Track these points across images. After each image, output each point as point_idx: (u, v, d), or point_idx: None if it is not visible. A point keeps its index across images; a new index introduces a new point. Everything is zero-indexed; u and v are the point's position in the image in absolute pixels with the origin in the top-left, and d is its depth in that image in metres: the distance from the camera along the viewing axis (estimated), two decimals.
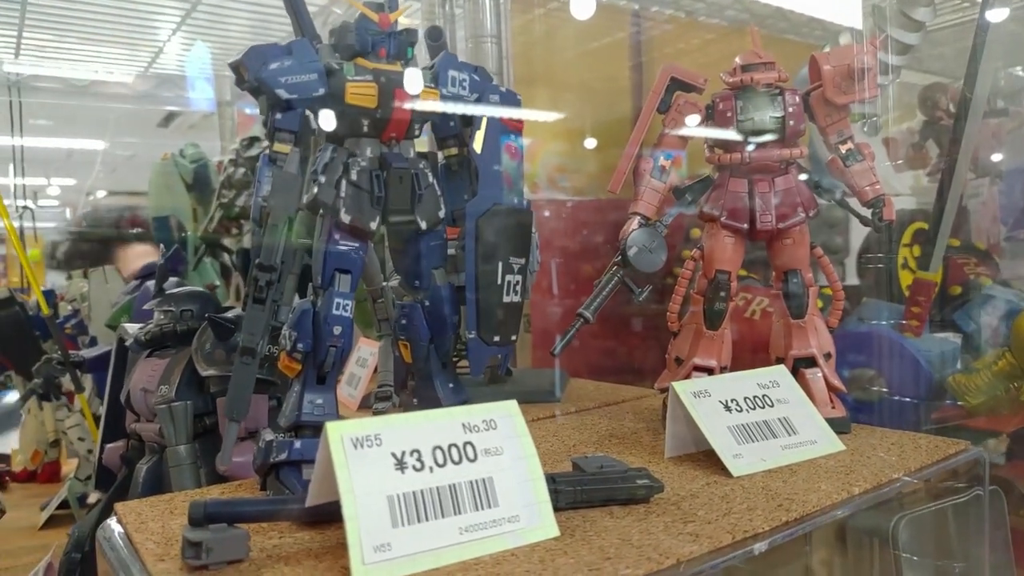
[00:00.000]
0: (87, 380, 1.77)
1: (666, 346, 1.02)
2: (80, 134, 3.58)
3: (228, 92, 3.08)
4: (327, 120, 0.72)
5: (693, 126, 0.93)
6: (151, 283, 1.55)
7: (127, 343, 1.02)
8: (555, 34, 2.05)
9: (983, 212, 1.77)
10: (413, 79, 0.74)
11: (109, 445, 1.08)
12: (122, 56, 2.75)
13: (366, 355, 1.25)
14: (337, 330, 0.71)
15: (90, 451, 1.85)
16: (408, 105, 0.73)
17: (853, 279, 1.70)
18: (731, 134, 0.90)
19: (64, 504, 1.81)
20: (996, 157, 1.77)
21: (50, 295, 1.95)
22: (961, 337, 1.47)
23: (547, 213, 1.74)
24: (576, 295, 1.63)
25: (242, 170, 2.08)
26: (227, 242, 2.16)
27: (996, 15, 1.28)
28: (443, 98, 0.76)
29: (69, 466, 2.10)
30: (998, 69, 1.66)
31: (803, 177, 0.95)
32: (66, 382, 1.88)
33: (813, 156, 1.04)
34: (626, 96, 2.15)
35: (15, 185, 2.74)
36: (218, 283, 2.23)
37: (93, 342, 1.93)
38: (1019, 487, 1.31)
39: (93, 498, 1.84)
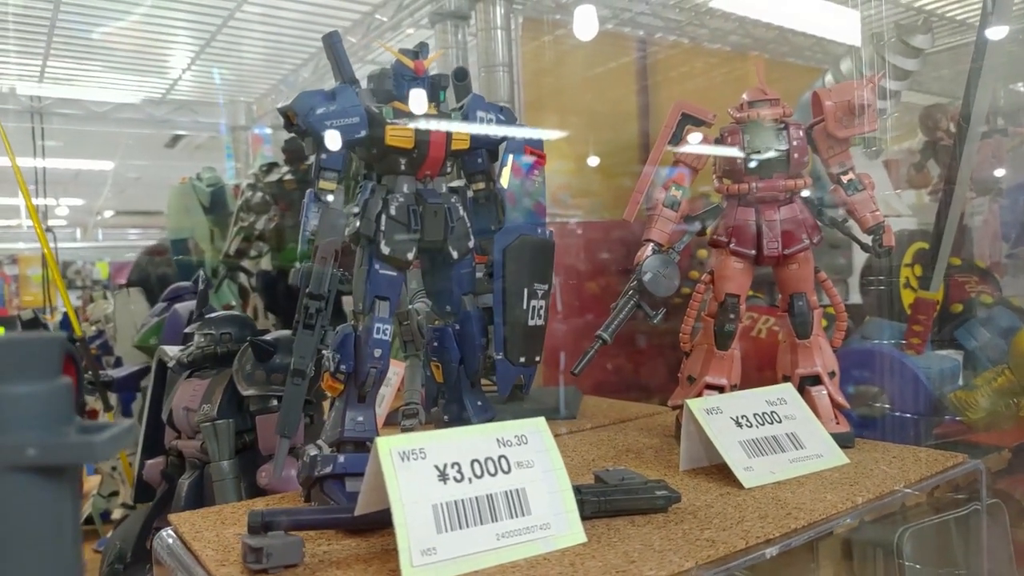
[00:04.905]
0: (112, 399, 1.83)
1: (673, 365, 1.07)
2: (89, 155, 3.64)
3: (243, 117, 3.16)
4: (333, 141, 0.76)
5: (703, 157, 0.99)
6: (179, 305, 1.61)
7: (169, 365, 1.07)
8: (564, 60, 2.12)
9: (984, 230, 1.82)
10: (417, 100, 0.80)
11: (149, 461, 1.14)
12: (141, 83, 2.83)
13: (390, 374, 1.30)
14: (377, 352, 0.77)
15: (114, 468, 1.90)
16: (435, 127, 0.78)
17: (856, 298, 1.75)
18: (739, 157, 0.96)
19: (88, 520, 1.86)
20: (999, 173, 1.81)
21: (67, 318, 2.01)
22: (962, 354, 1.51)
23: (553, 232, 1.79)
24: (582, 313, 1.67)
25: (260, 194, 2.14)
26: (246, 264, 2.22)
27: (994, 34, 1.33)
28: (472, 138, 0.82)
29: (91, 483, 2.15)
30: (997, 88, 1.71)
31: (806, 193, 1.00)
32: (89, 401, 1.93)
33: (815, 172, 1.10)
34: (632, 119, 2.21)
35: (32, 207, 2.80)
36: (235, 304, 2.28)
37: (118, 362, 1.98)
38: (1020, 500, 1.35)
39: (117, 514, 1.89)
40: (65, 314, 1.93)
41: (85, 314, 2.28)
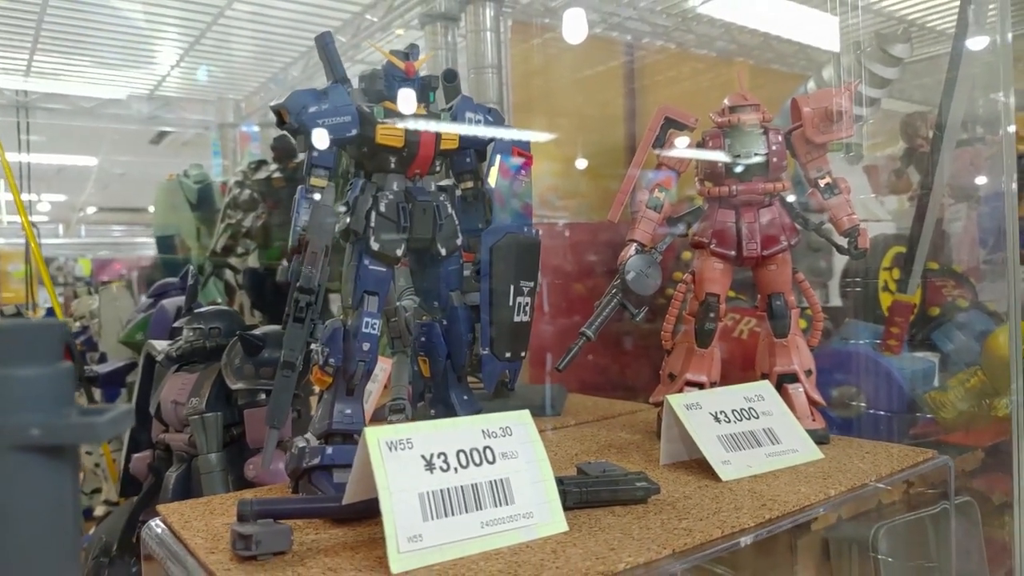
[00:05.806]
0: (96, 395, 1.82)
1: (655, 364, 1.10)
2: (73, 151, 3.61)
3: (231, 114, 3.16)
4: (320, 139, 0.78)
5: (685, 160, 1.02)
6: (166, 301, 1.61)
7: (158, 359, 1.08)
8: (552, 63, 2.14)
9: (963, 236, 1.85)
10: (406, 99, 0.81)
11: (136, 455, 1.15)
12: (129, 79, 2.83)
13: (377, 371, 1.32)
14: (365, 346, 0.78)
15: (97, 464, 1.90)
16: (425, 127, 0.80)
17: (836, 300, 1.78)
18: (720, 161, 0.99)
19: None
20: (980, 180, 1.85)
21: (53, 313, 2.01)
22: (938, 356, 1.55)
23: (540, 232, 1.81)
24: (569, 314, 1.69)
25: (248, 192, 2.14)
26: (233, 262, 2.22)
27: (968, 45, 1.36)
28: (461, 138, 0.84)
29: None
30: (976, 97, 1.75)
31: (791, 198, 1.03)
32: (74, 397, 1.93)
33: (796, 176, 1.13)
34: (619, 122, 2.23)
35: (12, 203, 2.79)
36: (220, 301, 2.28)
37: (103, 358, 1.98)
38: (994, 499, 1.39)
39: (100, 511, 1.88)
40: (49, 310, 1.93)
41: (69, 310, 2.27)
